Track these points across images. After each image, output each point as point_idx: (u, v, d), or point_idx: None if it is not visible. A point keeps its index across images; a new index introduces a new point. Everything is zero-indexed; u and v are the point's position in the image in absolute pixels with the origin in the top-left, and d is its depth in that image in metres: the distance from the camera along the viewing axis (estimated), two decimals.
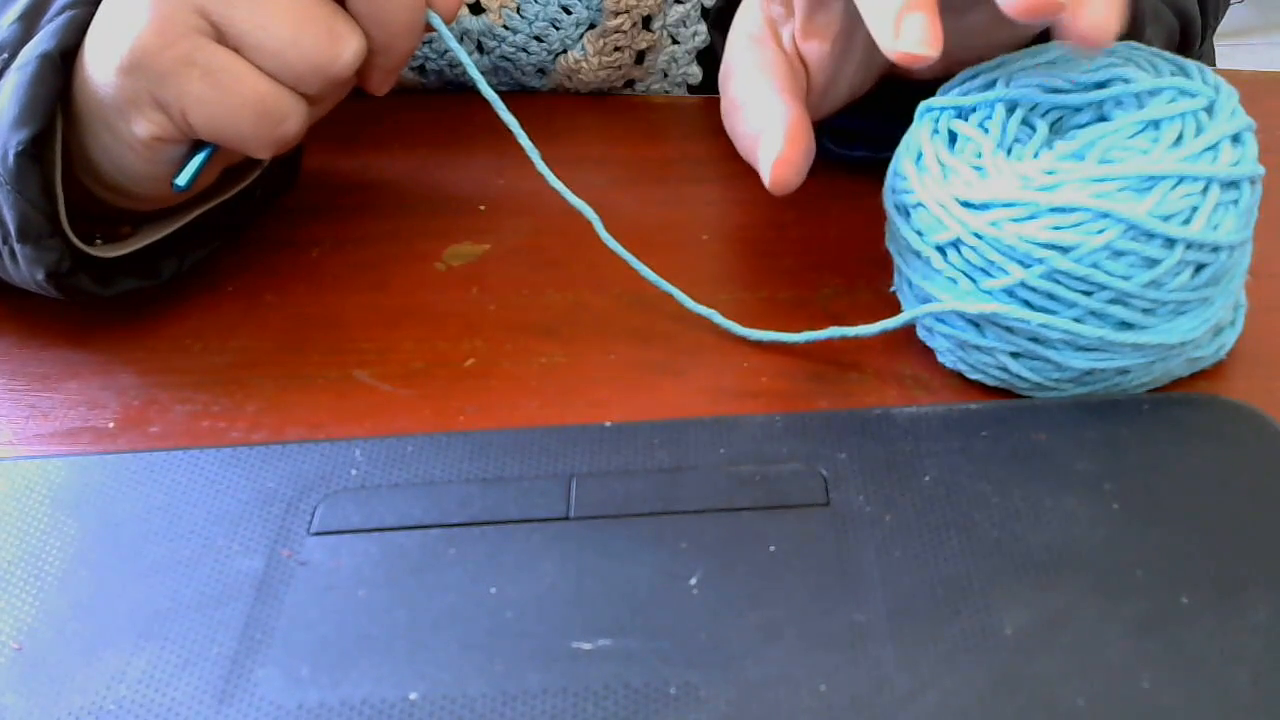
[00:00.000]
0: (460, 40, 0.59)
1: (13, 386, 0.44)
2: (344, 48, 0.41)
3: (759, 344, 0.44)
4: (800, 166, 0.42)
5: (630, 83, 0.62)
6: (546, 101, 0.61)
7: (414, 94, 0.62)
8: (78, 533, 0.37)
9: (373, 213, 0.53)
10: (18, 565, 0.36)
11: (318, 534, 0.36)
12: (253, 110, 0.40)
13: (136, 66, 0.40)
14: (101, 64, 0.41)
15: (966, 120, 0.40)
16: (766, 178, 0.42)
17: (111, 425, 0.42)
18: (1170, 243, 0.37)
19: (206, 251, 0.48)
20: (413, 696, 0.32)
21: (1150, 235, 0.36)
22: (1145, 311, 0.38)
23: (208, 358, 0.45)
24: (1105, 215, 0.36)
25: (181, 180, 0.42)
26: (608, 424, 0.40)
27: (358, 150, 0.57)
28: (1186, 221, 0.37)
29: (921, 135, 0.41)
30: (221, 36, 0.40)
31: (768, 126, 0.43)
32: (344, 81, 0.42)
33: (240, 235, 0.50)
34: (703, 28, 0.60)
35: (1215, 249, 0.37)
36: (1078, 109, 0.41)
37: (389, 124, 0.59)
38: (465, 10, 0.58)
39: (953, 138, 0.41)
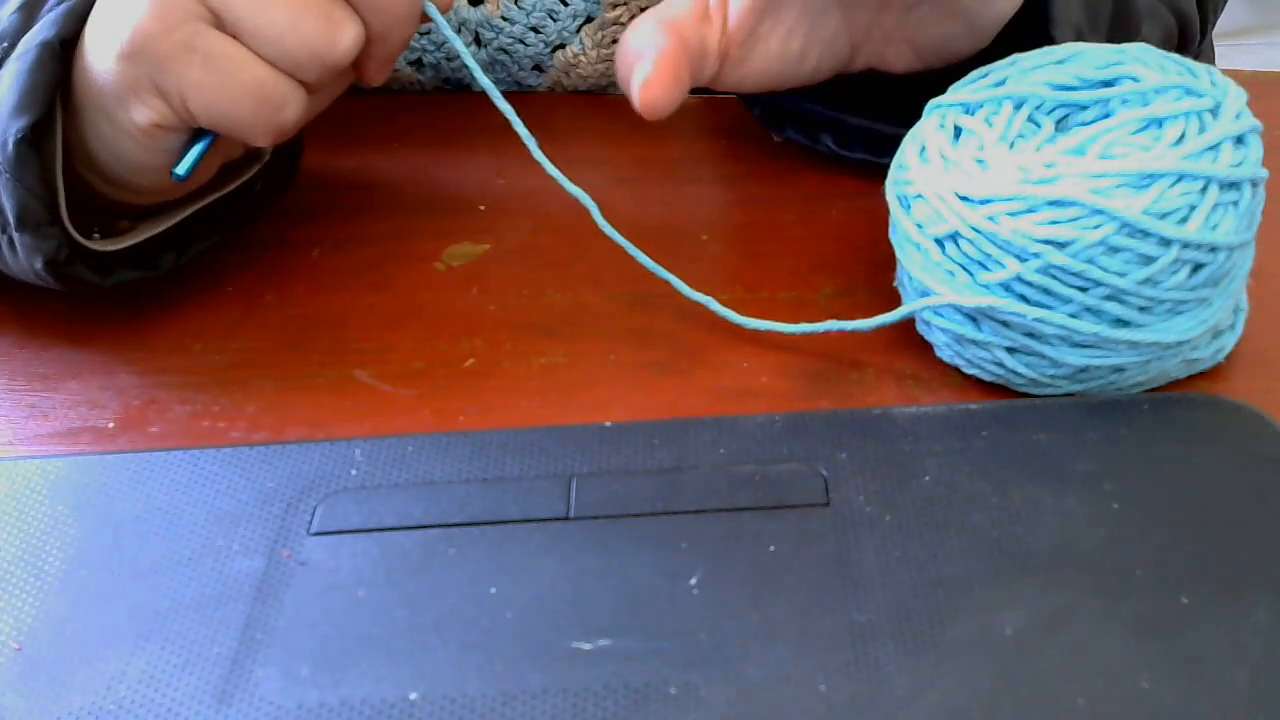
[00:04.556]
0: (458, 32, 0.59)
1: (13, 386, 0.44)
2: (342, 34, 0.41)
3: (759, 344, 0.44)
4: (670, 92, 0.42)
5: None
6: (547, 101, 0.61)
7: (414, 94, 0.62)
8: (78, 533, 0.37)
9: (373, 213, 0.53)
10: (18, 565, 0.36)
11: (318, 534, 0.36)
12: (252, 97, 0.40)
13: (137, 52, 0.40)
14: (101, 51, 0.41)
15: (973, 116, 0.41)
16: (636, 100, 0.42)
17: (111, 425, 0.42)
18: (1165, 241, 0.37)
19: (206, 245, 0.48)
20: (413, 696, 0.32)
21: (1145, 233, 0.36)
22: (1141, 309, 0.38)
23: (208, 358, 0.45)
24: (1100, 211, 0.36)
25: (181, 169, 0.42)
26: (608, 424, 0.40)
27: (357, 150, 0.57)
28: (1183, 220, 0.37)
29: (927, 129, 0.41)
30: (220, 23, 0.40)
31: (644, 53, 0.43)
32: (342, 70, 0.42)
33: (239, 232, 0.50)
34: None
35: (1213, 249, 0.37)
36: (1084, 107, 0.41)
37: (389, 124, 0.59)
38: (463, 1, 0.58)
39: (958, 133, 0.41)
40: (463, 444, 0.39)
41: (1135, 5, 0.49)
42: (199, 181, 0.45)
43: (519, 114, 0.44)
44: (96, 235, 0.45)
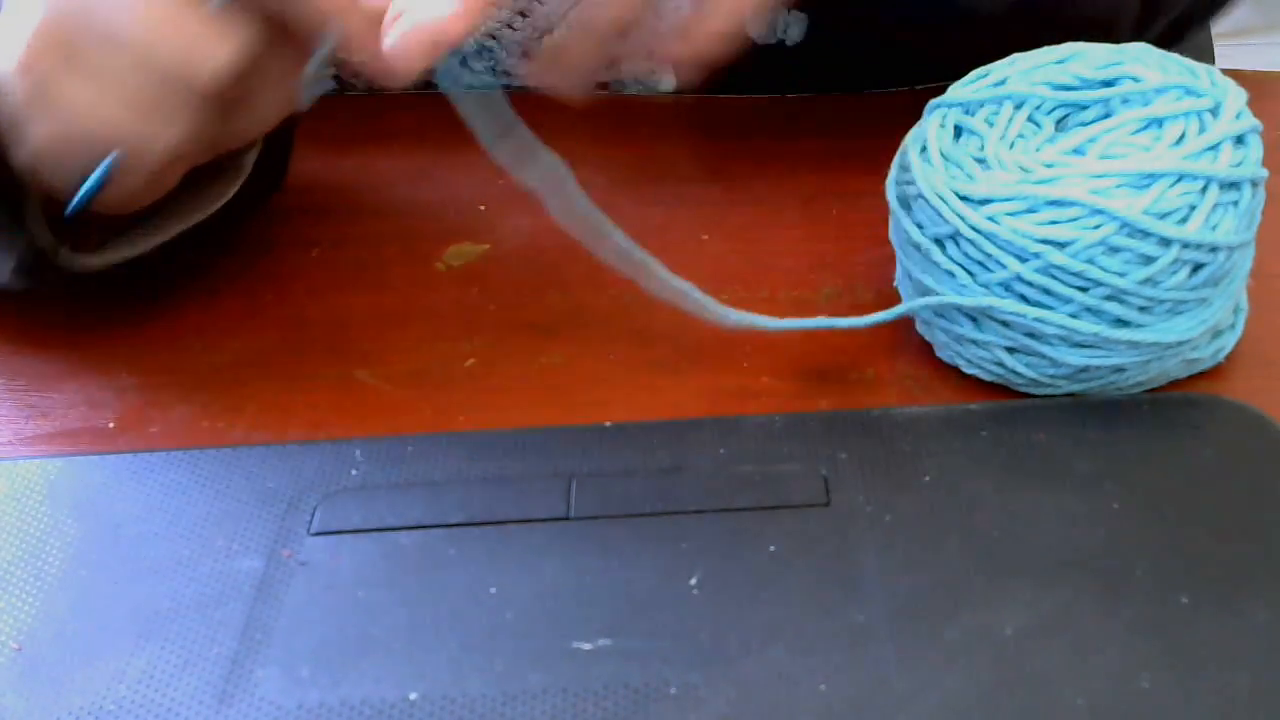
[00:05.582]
0: None
1: (13, 386, 0.44)
2: (207, 57, 0.38)
3: (759, 344, 0.44)
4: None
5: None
6: (546, 101, 0.61)
7: (414, 94, 0.62)
8: (78, 533, 0.37)
9: (373, 213, 0.53)
10: (18, 565, 0.36)
11: (318, 534, 0.36)
12: (113, 137, 0.39)
13: (4, 90, 0.39)
14: None
15: (974, 116, 0.41)
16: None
17: (111, 425, 0.42)
18: (1165, 241, 0.37)
19: (192, 254, 0.47)
20: (413, 696, 0.31)
21: (1145, 233, 0.36)
22: (1141, 309, 0.38)
23: (208, 358, 0.45)
24: (1100, 211, 0.36)
25: (69, 211, 0.41)
26: (608, 424, 0.40)
27: (357, 150, 0.57)
28: (1183, 220, 0.37)
29: (927, 129, 0.41)
30: (77, 64, 0.38)
31: None
32: (242, 83, 0.40)
33: (232, 236, 0.50)
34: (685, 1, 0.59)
35: (1213, 249, 0.37)
36: (1084, 107, 0.41)
37: (389, 124, 0.59)
38: None
39: (958, 133, 0.41)
40: (463, 444, 0.39)
41: None
42: (162, 191, 0.43)
43: (520, 112, 0.44)
44: (65, 249, 0.44)
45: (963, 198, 0.39)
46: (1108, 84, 0.40)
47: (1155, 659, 0.31)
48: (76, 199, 0.40)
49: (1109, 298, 0.37)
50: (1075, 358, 0.39)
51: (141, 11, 0.38)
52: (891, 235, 0.43)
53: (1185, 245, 0.37)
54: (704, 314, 0.42)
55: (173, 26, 0.38)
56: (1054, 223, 0.37)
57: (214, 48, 0.38)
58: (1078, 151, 0.39)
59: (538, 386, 0.43)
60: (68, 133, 0.39)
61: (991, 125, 0.40)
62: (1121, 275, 0.37)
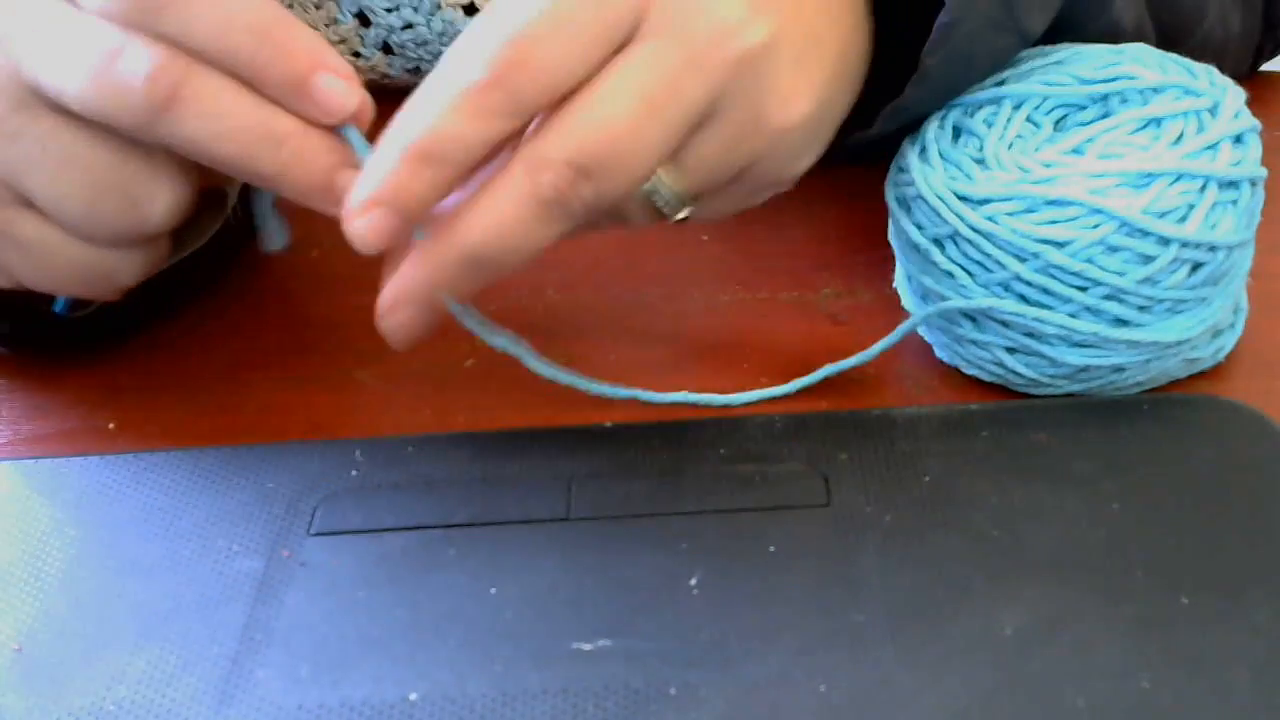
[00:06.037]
0: (439, 38, 0.58)
1: (13, 386, 0.44)
2: (150, 207, 0.37)
3: (759, 345, 0.44)
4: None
5: None
6: None
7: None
8: (78, 533, 0.37)
9: None
10: (18, 565, 0.36)
11: (318, 534, 0.36)
12: (75, 276, 0.39)
13: None
14: None
15: (973, 117, 0.41)
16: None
17: (111, 425, 0.42)
18: (1164, 240, 0.37)
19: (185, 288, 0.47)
20: (413, 696, 0.31)
21: (1144, 232, 0.36)
22: (1141, 309, 0.38)
23: (208, 358, 0.45)
24: (1099, 211, 0.36)
25: (56, 307, 0.42)
26: (608, 424, 0.40)
27: None
28: (1182, 220, 0.37)
29: (927, 130, 0.41)
30: (30, 205, 0.38)
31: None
32: (180, 221, 0.39)
33: (229, 263, 0.49)
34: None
35: (1212, 248, 0.37)
36: (1083, 107, 0.41)
37: (389, 124, 0.59)
38: (461, 13, 0.58)
39: (958, 133, 0.41)
40: (463, 444, 0.39)
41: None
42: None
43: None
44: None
45: (962, 198, 0.39)
46: (1106, 84, 0.40)
47: (1155, 659, 0.31)
48: (59, 305, 0.42)
49: (1108, 297, 0.37)
50: (1075, 357, 0.39)
51: (68, 179, 0.37)
52: (891, 236, 0.43)
53: (1184, 244, 0.37)
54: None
55: (111, 185, 0.37)
56: (1053, 222, 0.37)
57: (156, 198, 0.37)
58: (1076, 151, 0.39)
59: (538, 386, 0.43)
60: (25, 281, 0.39)
61: (990, 126, 0.40)
62: (1120, 274, 0.37)
